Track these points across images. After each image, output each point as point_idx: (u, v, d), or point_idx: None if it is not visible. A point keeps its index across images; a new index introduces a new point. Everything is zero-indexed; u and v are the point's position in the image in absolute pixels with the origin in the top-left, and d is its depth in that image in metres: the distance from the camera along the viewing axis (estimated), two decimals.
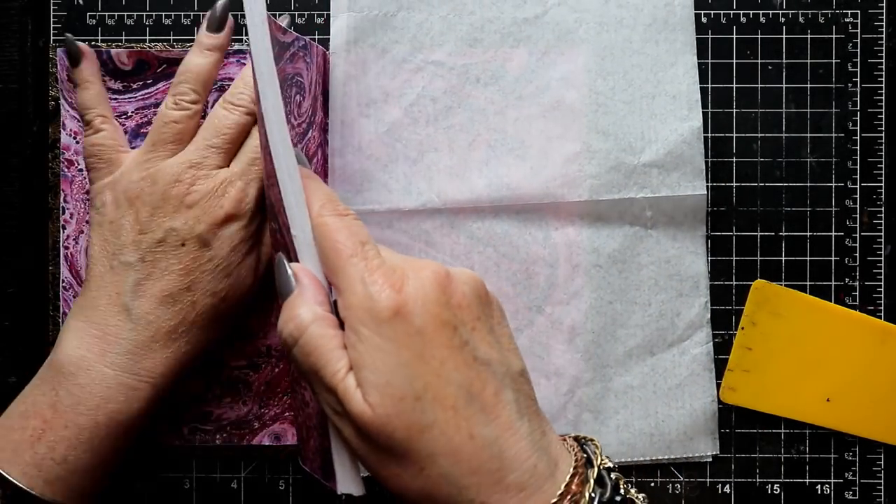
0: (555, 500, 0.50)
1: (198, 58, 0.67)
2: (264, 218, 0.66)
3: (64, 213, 0.71)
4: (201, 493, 0.72)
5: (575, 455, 0.53)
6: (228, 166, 0.66)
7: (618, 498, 0.53)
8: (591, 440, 0.56)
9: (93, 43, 0.71)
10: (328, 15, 0.72)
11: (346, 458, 0.54)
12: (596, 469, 0.53)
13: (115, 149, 0.66)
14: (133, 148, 0.69)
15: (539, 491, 0.50)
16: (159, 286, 0.63)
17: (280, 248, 0.58)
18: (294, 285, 0.54)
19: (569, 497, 0.51)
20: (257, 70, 0.55)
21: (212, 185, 0.64)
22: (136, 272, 0.63)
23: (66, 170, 0.71)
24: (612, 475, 0.53)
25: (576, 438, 0.56)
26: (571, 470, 0.52)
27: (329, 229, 0.54)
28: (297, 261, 0.55)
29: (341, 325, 0.52)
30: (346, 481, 0.55)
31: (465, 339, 0.51)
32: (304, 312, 0.52)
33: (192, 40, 0.71)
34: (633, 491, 0.54)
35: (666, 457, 0.71)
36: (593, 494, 0.52)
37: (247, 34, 0.71)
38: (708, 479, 0.72)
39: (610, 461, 0.55)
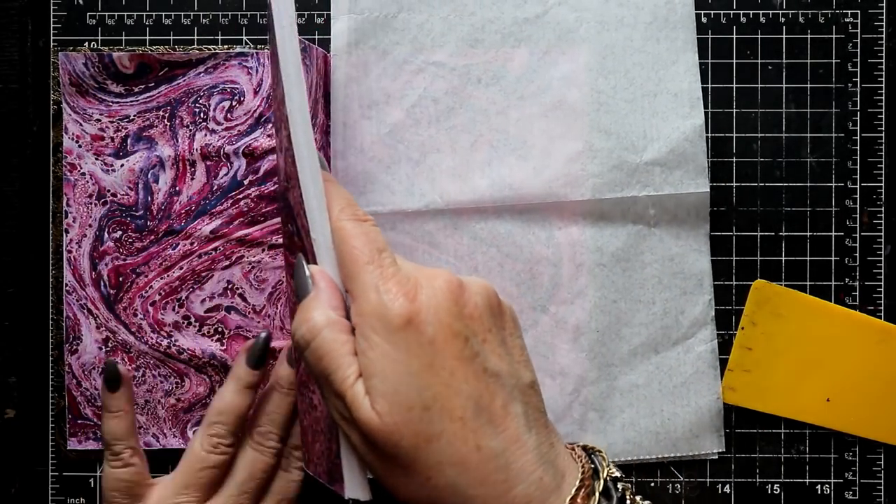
0: None
1: (236, 396, 0.65)
2: None
3: (67, 216, 0.71)
4: None
5: (582, 466, 0.53)
6: None
7: None
8: (599, 451, 0.56)
9: (93, 44, 0.71)
10: (328, 15, 0.71)
11: (354, 463, 0.54)
12: (602, 481, 0.53)
13: (142, 484, 0.66)
14: (132, 152, 0.69)
15: None
16: None
17: (297, 250, 0.58)
18: (311, 288, 0.54)
19: None
20: (284, 72, 0.55)
21: None
22: None
23: (68, 174, 0.71)
24: (619, 485, 0.54)
25: (584, 448, 0.57)
26: (577, 483, 0.52)
27: (347, 234, 0.54)
28: (315, 264, 0.55)
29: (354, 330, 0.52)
30: (354, 486, 0.55)
31: (475, 351, 0.51)
32: (318, 316, 0.52)
33: (193, 41, 0.72)
34: (638, 499, 0.54)
35: (672, 455, 0.71)
36: None
37: (247, 33, 0.71)
38: (708, 479, 0.72)
39: (617, 470, 0.55)
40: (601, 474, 0.54)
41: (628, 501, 0.53)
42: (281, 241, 0.70)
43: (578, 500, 0.51)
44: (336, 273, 0.55)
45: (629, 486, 0.54)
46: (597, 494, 0.52)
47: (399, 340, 0.50)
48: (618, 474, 0.54)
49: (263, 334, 0.66)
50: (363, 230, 0.54)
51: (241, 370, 0.66)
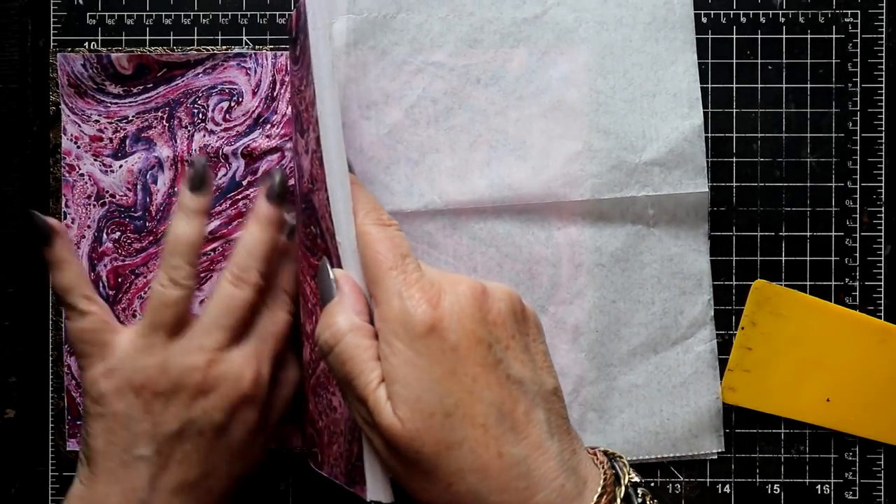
0: None
1: (186, 225, 0.63)
2: (274, 394, 0.66)
3: (65, 217, 0.71)
4: None
5: (604, 473, 0.53)
6: (237, 343, 0.64)
7: None
8: (620, 457, 0.56)
9: (93, 44, 0.71)
10: None
11: (377, 466, 0.54)
12: (623, 488, 0.53)
13: (106, 331, 0.63)
14: (131, 153, 0.69)
15: None
16: (177, 478, 0.61)
17: (321, 252, 0.58)
18: (335, 292, 0.54)
19: None
20: (316, 75, 0.56)
21: (229, 370, 0.62)
22: (151, 465, 0.60)
23: (67, 175, 0.71)
24: (639, 491, 0.54)
25: (605, 453, 0.56)
26: (599, 489, 0.52)
27: (371, 239, 0.54)
28: (339, 267, 0.55)
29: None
30: (377, 489, 0.55)
31: (498, 357, 0.51)
32: (341, 321, 0.53)
33: (192, 42, 0.72)
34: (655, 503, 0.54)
35: (672, 455, 0.71)
36: None
37: (247, 34, 0.71)
38: (708, 479, 0.72)
39: (637, 476, 0.55)
40: (622, 480, 0.54)
41: (648, 503, 0.54)
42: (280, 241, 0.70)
43: None
44: (360, 277, 0.55)
45: (648, 492, 0.54)
46: (618, 501, 0.52)
47: (422, 347, 0.50)
48: (637, 479, 0.54)
49: (201, 159, 0.65)
50: (387, 235, 0.55)
51: (185, 198, 0.64)
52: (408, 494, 0.53)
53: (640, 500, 0.53)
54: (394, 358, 0.50)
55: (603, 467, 0.54)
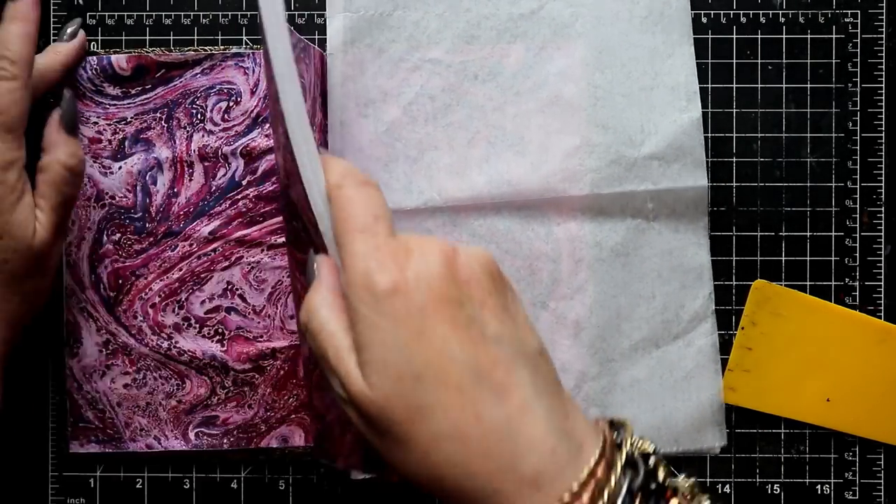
0: (576, 487, 0.46)
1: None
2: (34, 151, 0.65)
3: None
4: (201, 493, 0.72)
5: (604, 437, 0.49)
6: None
7: (653, 485, 0.47)
8: (624, 423, 0.51)
9: (93, 45, 0.71)
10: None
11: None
12: (625, 453, 0.48)
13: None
14: (130, 155, 0.70)
15: (559, 477, 0.46)
16: None
17: (306, 245, 0.57)
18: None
19: (593, 484, 0.46)
20: (277, 70, 0.55)
21: None
22: None
23: None
24: (651, 460, 0.48)
25: (610, 422, 0.51)
26: (597, 453, 0.47)
27: (343, 202, 0.51)
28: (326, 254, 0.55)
29: None
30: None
31: (472, 316, 0.48)
32: (315, 298, 0.51)
33: (192, 42, 0.72)
34: (678, 478, 0.49)
35: (674, 450, 0.71)
36: (621, 481, 0.47)
37: (247, 34, 0.72)
38: (708, 479, 0.72)
39: (651, 446, 0.50)
40: (624, 446, 0.49)
41: (660, 477, 0.48)
42: (280, 240, 0.70)
43: (598, 474, 0.47)
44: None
45: (662, 461, 0.49)
46: (618, 466, 0.47)
47: (386, 309, 0.47)
48: (650, 450, 0.49)
49: None
50: (362, 195, 0.51)
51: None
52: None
53: (647, 469, 0.48)
54: (360, 324, 0.48)
55: (604, 433, 0.49)
